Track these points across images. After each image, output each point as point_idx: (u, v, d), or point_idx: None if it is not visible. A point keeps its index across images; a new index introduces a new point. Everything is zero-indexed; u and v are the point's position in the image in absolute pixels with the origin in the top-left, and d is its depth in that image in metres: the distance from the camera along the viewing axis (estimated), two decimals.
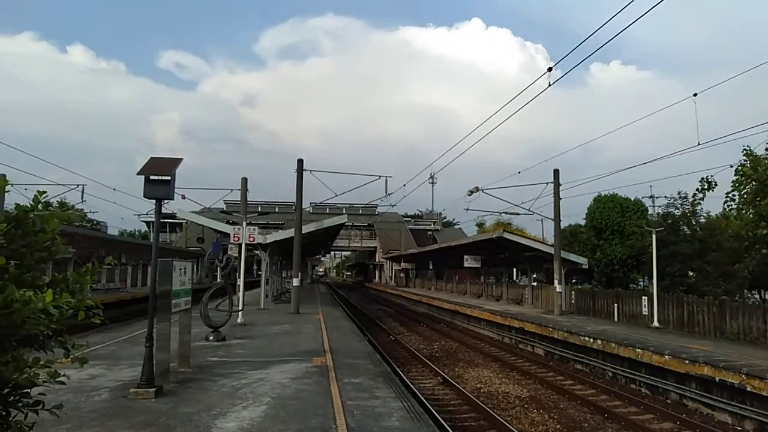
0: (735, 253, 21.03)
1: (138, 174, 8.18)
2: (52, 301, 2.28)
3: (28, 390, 2.61)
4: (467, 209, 28.36)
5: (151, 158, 8.66)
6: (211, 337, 13.83)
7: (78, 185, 28.06)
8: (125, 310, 25.84)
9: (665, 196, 29.50)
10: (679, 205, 26.01)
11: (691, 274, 24.34)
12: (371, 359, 12.13)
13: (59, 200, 36.43)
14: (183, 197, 26.34)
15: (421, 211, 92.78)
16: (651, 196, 38.09)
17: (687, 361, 11.94)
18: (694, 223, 25.36)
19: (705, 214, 25.97)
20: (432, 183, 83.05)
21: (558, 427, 10.49)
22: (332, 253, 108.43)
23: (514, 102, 16.05)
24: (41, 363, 2.55)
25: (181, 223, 63.70)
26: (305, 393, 8.33)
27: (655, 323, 18.06)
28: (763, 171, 16.03)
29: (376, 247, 79.49)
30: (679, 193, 25.93)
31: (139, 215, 58.47)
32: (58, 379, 2.58)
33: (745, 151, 17.52)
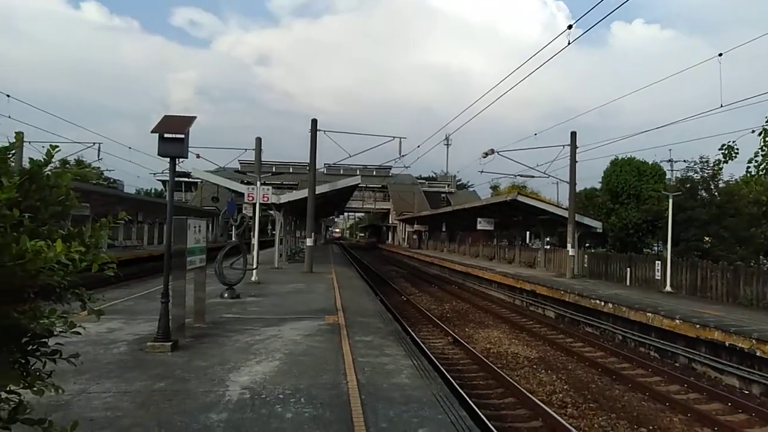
0: (753, 218, 20.73)
1: (152, 132, 8.20)
2: (62, 251, 2.32)
3: (46, 339, 2.70)
4: (482, 171, 28.28)
5: (165, 116, 8.66)
6: (226, 295, 14.08)
7: (94, 143, 28.22)
8: (142, 267, 26.34)
9: (684, 161, 29.04)
10: (698, 170, 25.60)
11: (706, 239, 24.13)
12: (382, 318, 12.31)
13: (76, 158, 36.79)
14: (198, 156, 26.43)
15: (435, 173, 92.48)
16: (670, 160, 37.58)
17: (698, 326, 11.95)
18: (712, 187, 24.98)
19: (725, 180, 25.55)
20: (447, 145, 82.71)
21: (566, 387, 10.63)
22: (346, 214, 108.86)
23: (532, 62, 15.74)
24: (58, 314, 2.62)
25: (196, 182, 64.09)
26: (317, 350, 8.51)
27: (668, 288, 18.02)
28: None
29: (389, 209, 79.65)
30: (701, 157, 25.47)
31: (154, 174, 58.95)
32: (74, 329, 2.66)
33: None
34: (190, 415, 5.41)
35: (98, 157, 29.07)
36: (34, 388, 2.58)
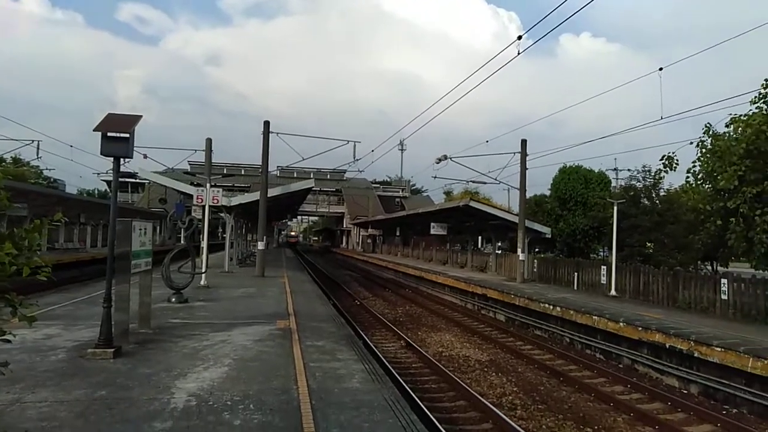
0: (691, 225, 21.68)
1: (95, 130, 7.87)
2: None
3: None
4: (435, 177, 28.56)
5: (109, 114, 8.34)
6: (173, 299, 13.68)
7: (33, 141, 26.98)
8: (83, 270, 25.29)
9: (628, 169, 30.07)
10: (641, 179, 26.63)
11: (649, 245, 25.08)
12: (335, 322, 12.20)
13: (13, 156, 35.09)
14: (145, 156, 25.52)
15: (389, 178, 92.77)
16: (615, 169, 38.94)
17: (640, 329, 12.40)
18: (654, 196, 26.01)
19: (666, 189, 26.63)
20: (401, 149, 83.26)
21: (515, 389, 10.81)
22: (299, 217, 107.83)
23: (484, 70, 16.01)
24: None
25: (144, 183, 62.16)
26: (267, 355, 8.34)
27: (613, 292, 18.64)
28: (724, 144, 16.41)
29: (343, 213, 79.38)
30: (644, 166, 26.52)
31: (98, 174, 56.77)
32: (2, 337, 2.50)
33: (705, 128, 17.91)
34: (133, 423, 5.19)
35: (37, 155, 27.83)
36: None
